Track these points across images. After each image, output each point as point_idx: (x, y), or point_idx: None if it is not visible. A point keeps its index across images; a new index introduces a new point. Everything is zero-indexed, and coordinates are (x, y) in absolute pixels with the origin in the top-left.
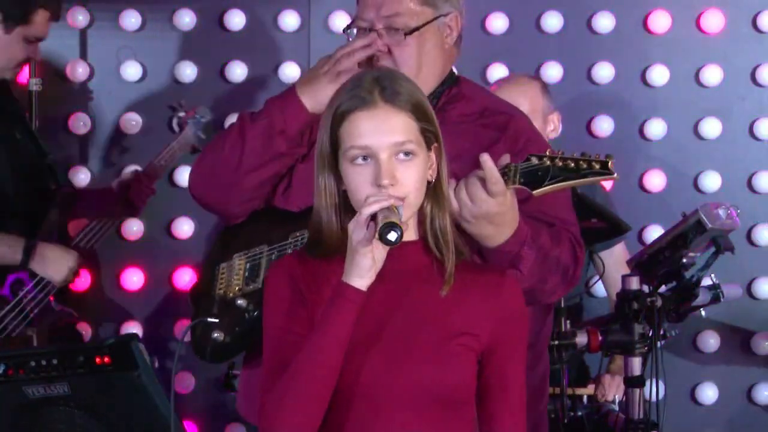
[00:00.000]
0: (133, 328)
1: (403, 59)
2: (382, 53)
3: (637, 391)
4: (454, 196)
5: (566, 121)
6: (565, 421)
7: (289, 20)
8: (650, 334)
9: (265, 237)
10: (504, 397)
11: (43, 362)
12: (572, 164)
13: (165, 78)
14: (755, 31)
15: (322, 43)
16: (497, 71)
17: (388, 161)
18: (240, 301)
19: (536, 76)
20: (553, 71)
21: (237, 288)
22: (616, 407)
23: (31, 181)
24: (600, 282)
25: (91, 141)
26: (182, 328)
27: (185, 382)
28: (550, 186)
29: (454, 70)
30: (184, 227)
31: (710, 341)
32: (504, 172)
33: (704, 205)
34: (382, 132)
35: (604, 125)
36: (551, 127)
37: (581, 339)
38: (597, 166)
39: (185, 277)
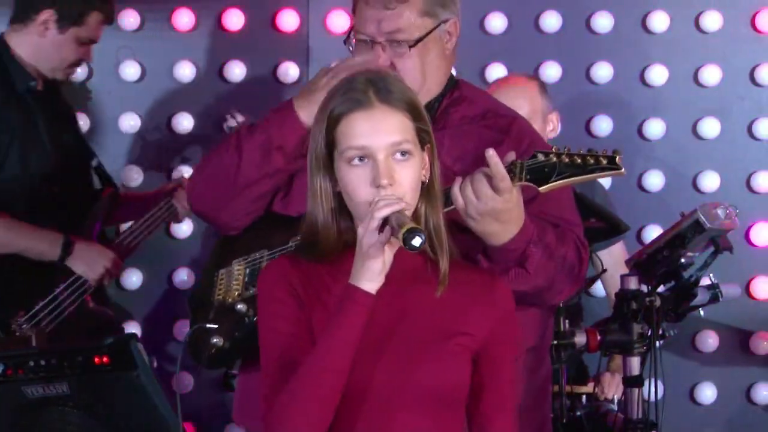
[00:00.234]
0: (132, 327)
1: (407, 71)
2: (384, 66)
3: (636, 390)
4: (459, 193)
5: (565, 121)
6: (564, 420)
7: (288, 20)
8: (649, 334)
9: (265, 242)
10: (495, 396)
11: (42, 362)
12: (579, 160)
13: (164, 78)
14: (754, 31)
15: (321, 43)
16: (496, 71)
17: (386, 161)
18: (239, 306)
19: (534, 75)
20: (551, 71)
21: (236, 293)
22: (615, 407)
23: (76, 181)
24: (599, 282)
25: (89, 140)
26: (181, 327)
27: (185, 383)
28: (557, 182)
29: (453, 71)
30: (183, 227)
31: (709, 341)
32: (510, 169)
33: (703, 205)
34: (380, 132)
35: (603, 125)
36: (550, 127)
37: (580, 339)
38: (604, 162)
39: (184, 277)
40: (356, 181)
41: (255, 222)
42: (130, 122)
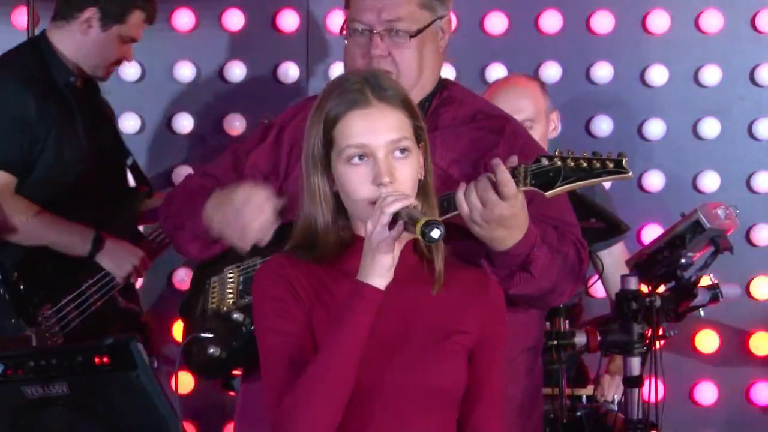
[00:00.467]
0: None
1: (406, 63)
2: (382, 57)
3: (636, 391)
4: (464, 199)
5: (565, 121)
6: (564, 421)
7: (288, 20)
8: (649, 334)
9: (259, 249)
10: (486, 394)
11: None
12: (585, 164)
13: (164, 78)
14: (754, 31)
15: (321, 43)
16: (496, 71)
17: (386, 159)
18: (236, 315)
19: (534, 76)
20: (552, 71)
21: (231, 302)
22: (615, 407)
23: (110, 178)
24: (599, 282)
25: None
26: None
27: (184, 383)
28: (564, 187)
29: (452, 72)
30: None
31: (709, 341)
32: (514, 174)
33: (703, 205)
34: (379, 130)
35: (603, 125)
36: (551, 127)
37: (580, 339)
38: (611, 165)
39: (184, 277)
40: (356, 180)
41: None
42: (131, 122)
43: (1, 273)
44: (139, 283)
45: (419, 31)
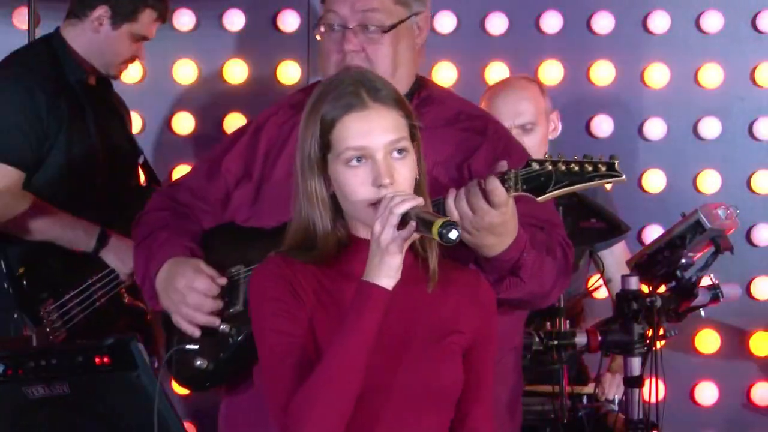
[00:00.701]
0: None
1: (379, 59)
2: (355, 52)
3: (637, 391)
4: (454, 207)
5: (566, 121)
6: (565, 420)
7: (289, 20)
8: (650, 334)
9: (241, 257)
10: (479, 392)
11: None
12: (576, 167)
13: (164, 78)
14: (754, 31)
15: None
16: (496, 71)
17: (385, 160)
18: (222, 327)
19: (533, 77)
20: (552, 71)
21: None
22: (616, 407)
23: (121, 176)
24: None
25: None
26: None
27: None
28: (556, 191)
29: (454, 72)
30: None
31: (710, 341)
32: (504, 179)
33: (703, 205)
34: (377, 131)
35: (603, 125)
36: (552, 127)
37: (581, 339)
38: (603, 169)
39: None
40: (355, 182)
41: (222, 237)
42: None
43: (6, 267)
44: None
45: (393, 26)
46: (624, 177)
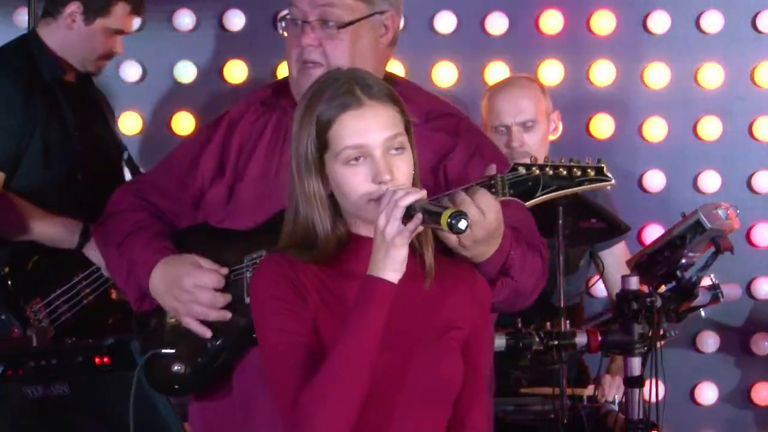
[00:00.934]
0: None
1: (335, 55)
2: (312, 47)
3: (637, 391)
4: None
5: (566, 121)
6: (565, 421)
7: None
8: (650, 335)
9: (214, 260)
10: (473, 387)
11: (43, 362)
12: (564, 172)
13: (164, 78)
14: (754, 31)
15: None
16: (497, 71)
17: (383, 157)
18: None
19: (534, 76)
20: (552, 71)
21: None
22: (616, 407)
23: (103, 173)
24: (600, 282)
25: None
26: None
27: None
28: (544, 196)
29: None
30: None
31: (710, 341)
32: (492, 185)
33: (704, 206)
34: (374, 129)
35: (603, 125)
36: (552, 127)
37: (581, 339)
38: (592, 173)
39: None
40: (355, 180)
41: (195, 238)
42: (131, 122)
43: None
44: None
45: (351, 23)
46: (613, 181)
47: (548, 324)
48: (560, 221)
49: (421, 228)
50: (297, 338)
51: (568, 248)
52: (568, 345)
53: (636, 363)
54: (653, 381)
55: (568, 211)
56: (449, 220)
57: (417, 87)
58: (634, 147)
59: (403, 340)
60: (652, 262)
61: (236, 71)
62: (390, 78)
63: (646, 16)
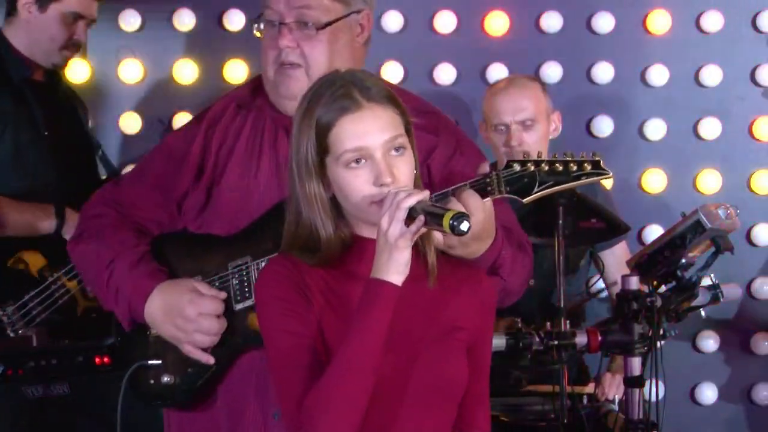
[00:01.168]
0: None
1: (314, 56)
2: (290, 48)
3: (637, 391)
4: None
5: (566, 122)
6: (565, 420)
7: None
8: (650, 334)
9: (197, 268)
10: (478, 388)
11: (43, 362)
12: (560, 167)
13: (164, 78)
14: (754, 31)
15: None
16: (496, 71)
17: (384, 159)
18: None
19: (535, 76)
20: (552, 71)
21: None
22: (616, 407)
23: (75, 171)
24: (600, 282)
25: None
26: None
27: None
28: (542, 192)
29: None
30: None
31: (710, 341)
32: (488, 183)
33: (704, 206)
34: (374, 131)
35: (603, 125)
36: (552, 127)
37: (581, 339)
38: (588, 167)
39: None
40: (356, 183)
41: (177, 245)
42: (131, 122)
43: None
44: None
45: (329, 24)
46: (611, 174)
47: (548, 324)
48: (560, 221)
49: (423, 230)
50: (301, 340)
51: (569, 248)
52: (568, 345)
53: (636, 363)
54: (653, 381)
55: (569, 211)
56: (451, 222)
57: (395, 86)
58: (634, 147)
59: (406, 340)
60: (652, 262)
61: (236, 71)
62: None
63: (646, 16)
